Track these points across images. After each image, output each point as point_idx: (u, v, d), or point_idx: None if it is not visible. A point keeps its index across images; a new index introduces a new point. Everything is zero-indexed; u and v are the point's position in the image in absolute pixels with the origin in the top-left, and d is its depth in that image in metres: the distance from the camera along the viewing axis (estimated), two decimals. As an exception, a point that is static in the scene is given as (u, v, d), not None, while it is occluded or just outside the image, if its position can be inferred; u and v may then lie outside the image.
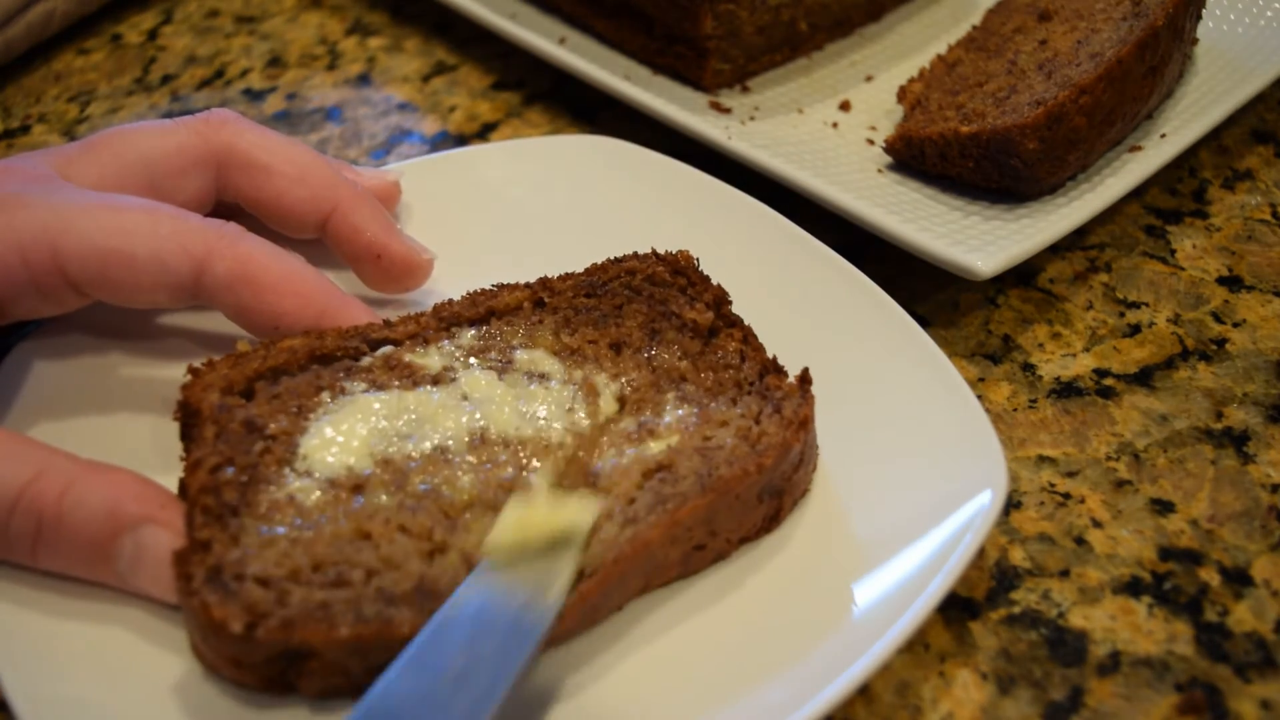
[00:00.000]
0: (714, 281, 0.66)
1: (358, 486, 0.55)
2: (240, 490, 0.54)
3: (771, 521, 0.59)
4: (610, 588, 0.53)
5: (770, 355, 0.63)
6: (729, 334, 0.64)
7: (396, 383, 0.60)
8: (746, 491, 0.56)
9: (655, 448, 0.58)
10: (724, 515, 0.56)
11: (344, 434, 0.57)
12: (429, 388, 0.60)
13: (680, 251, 0.68)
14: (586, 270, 0.68)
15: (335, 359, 0.61)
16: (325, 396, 0.59)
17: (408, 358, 0.61)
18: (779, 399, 0.60)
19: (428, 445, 0.57)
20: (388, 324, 0.63)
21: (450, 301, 0.65)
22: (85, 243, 0.57)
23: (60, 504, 0.53)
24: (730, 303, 0.66)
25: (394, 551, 0.53)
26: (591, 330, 0.65)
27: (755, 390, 0.61)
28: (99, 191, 0.61)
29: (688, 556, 0.57)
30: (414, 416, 0.59)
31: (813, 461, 0.61)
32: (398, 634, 0.50)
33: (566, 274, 0.68)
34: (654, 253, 0.68)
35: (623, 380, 0.62)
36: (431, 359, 0.62)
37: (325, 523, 0.54)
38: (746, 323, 0.65)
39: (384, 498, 0.55)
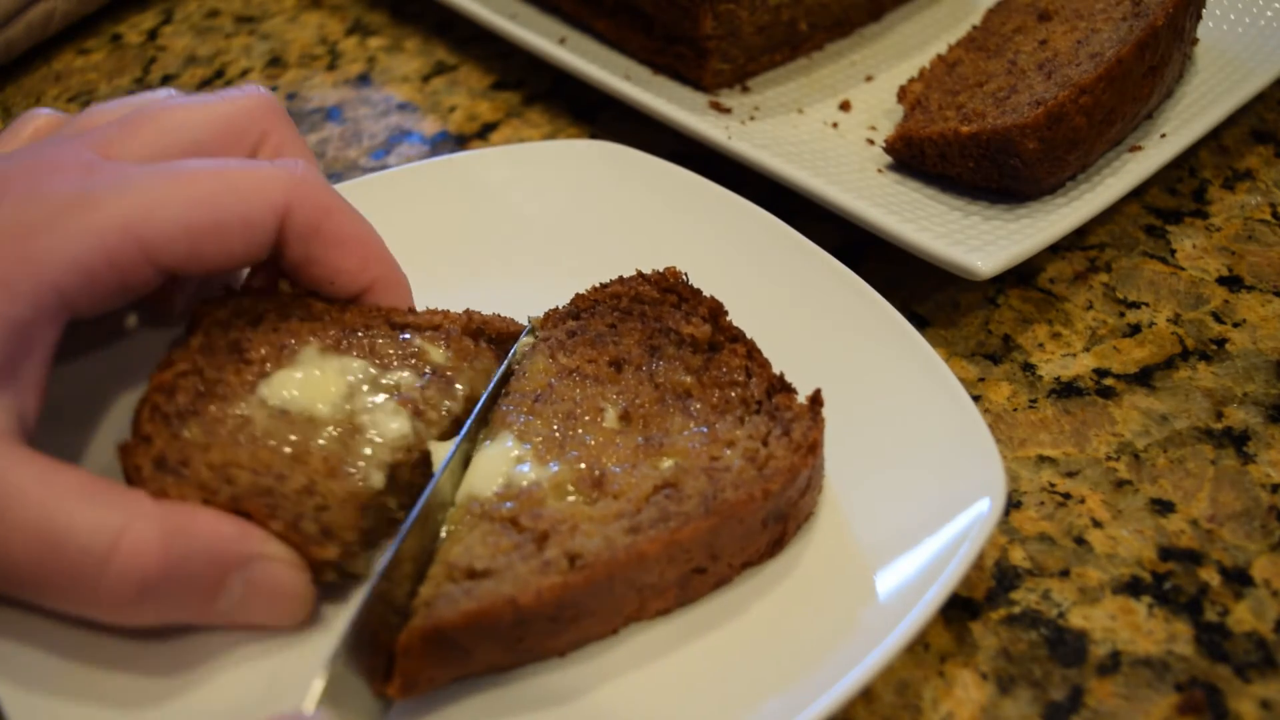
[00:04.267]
0: (707, 294, 0.65)
1: (307, 424, 0.57)
2: (195, 398, 0.57)
3: (775, 546, 0.58)
4: (598, 588, 0.52)
5: (778, 372, 0.62)
6: (732, 349, 0.63)
7: (393, 356, 0.61)
8: (751, 516, 0.55)
9: (663, 463, 0.58)
10: (726, 539, 0.55)
11: (316, 380, 0.59)
12: (421, 370, 0.61)
13: (667, 268, 0.67)
14: (572, 301, 0.68)
15: (349, 324, 0.63)
16: (318, 345, 0.61)
17: (417, 342, 0.62)
18: (788, 420, 0.59)
19: (391, 411, 0.59)
20: (412, 312, 0.65)
21: (480, 313, 0.66)
22: (173, 225, 0.54)
23: (166, 553, 0.50)
24: (727, 314, 0.65)
25: (327, 491, 0.55)
26: (589, 350, 0.64)
27: (764, 410, 0.60)
28: (154, 165, 0.57)
29: (686, 579, 0.55)
30: (393, 386, 0.60)
31: (819, 485, 0.60)
32: (319, 559, 0.53)
33: (552, 309, 0.68)
34: (639, 273, 0.67)
35: (626, 397, 0.62)
36: (435, 350, 0.62)
37: (267, 443, 0.56)
38: (749, 335, 0.64)
39: (324, 435, 0.57)
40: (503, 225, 0.77)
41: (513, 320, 0.66)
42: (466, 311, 0.66)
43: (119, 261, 0.53)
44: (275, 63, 1.05)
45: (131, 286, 0.55)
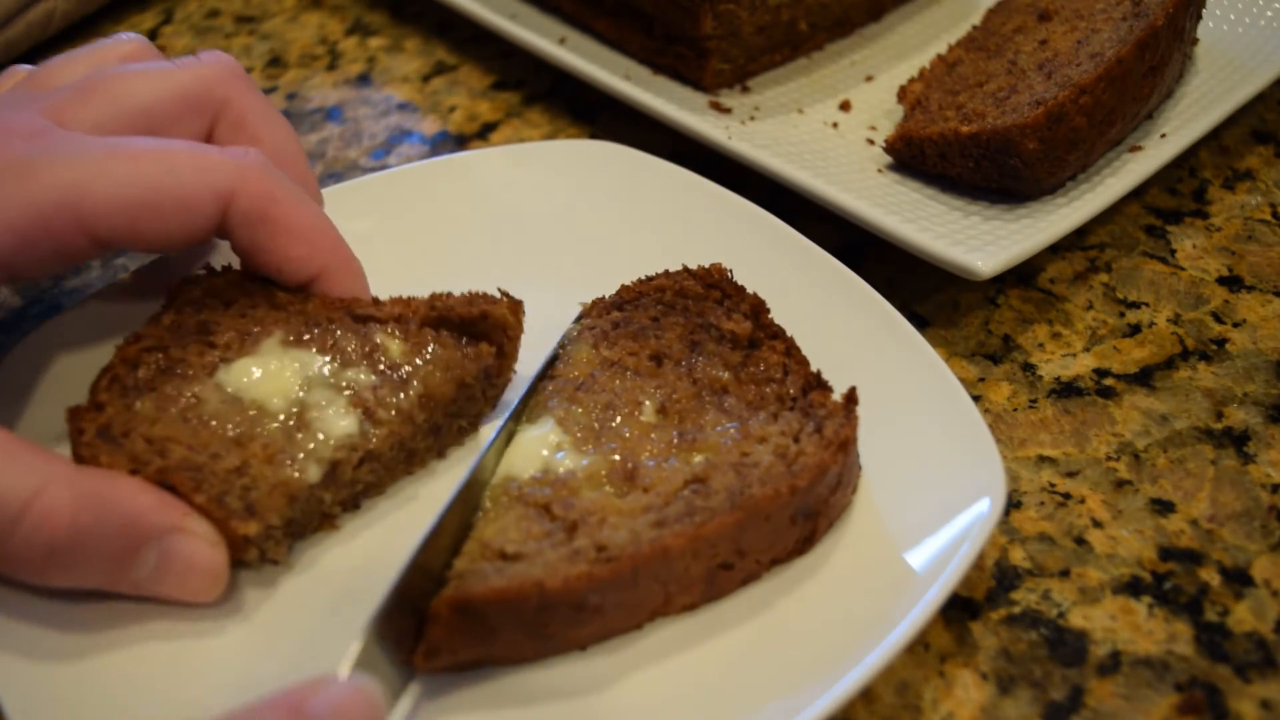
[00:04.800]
0: (750, 291, 0.66)
1: (257, 414, 0.58)
2: (155, 374, 0.59)
3: (805, 543, 0.58)
4: (622, 582, 0.53)
5: (815, 369, 0.62)
6: (771, 346, 0.64)
7: (352, 352, 0.62)
8: (778, 513, 0.55)
9: (695, 458, 0.58)
10: (753, 535, 0.55)
11: (273, 372, 0.60)
12: (377, 367, 0.62)
13: (713, 265, 0.67)
14: (618, 291, 0.68)
15: (313, 316, 0.64)
16: (282, 336, 0.62)
17: (378, 338, 0.63)
18: (821, 417, 0.59)
19: (343, 410, 0.59)
20: (377, 302, 0.65)
21: (448, 295, 0.66)
22: (109, 200, 0.55)
23: (75, 519, 0.51)
24: (769, 311, 0.65)
25: (259, 475, 0.56)
26: (631, 342, 0.65)
27: (798, 406, 0.60)
28: (102, 138, 0.58)
29: (713, 575, 0.56)
30: (347, 385, 0.60)
31: (852, 483, 0.60)
32: (238, 534, 0.54)
33: (599, 298, 0.68)
34: (685, 268, 0.68)
35: (665, 391, 0.62)
36: (395, 344, 0.63)
37: (211, 425, 0.57)
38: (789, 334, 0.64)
39: (271, 426, 0.58)
40: (503, 225, 0.77)
41: (485, 296, 0.66)
42: (431, 296, 0.65)
43: (55, 230, 0.55)
44: (275, 63, 1.05)
45: (67, 255, 0.56)
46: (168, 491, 0.54)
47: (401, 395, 0.61)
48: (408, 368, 0.62)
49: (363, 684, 0.46)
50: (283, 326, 0.62)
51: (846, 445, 0.57)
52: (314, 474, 0.57)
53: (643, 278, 0.69)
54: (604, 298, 0.68)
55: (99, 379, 0.58)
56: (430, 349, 0.63)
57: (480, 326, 0.65)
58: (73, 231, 0.55)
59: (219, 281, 0.64)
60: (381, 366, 0.62)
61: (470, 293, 0.66)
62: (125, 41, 0.66)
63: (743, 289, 0.66)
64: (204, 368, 0.60)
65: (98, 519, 0.52)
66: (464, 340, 0.64)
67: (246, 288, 0.64)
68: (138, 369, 0.59)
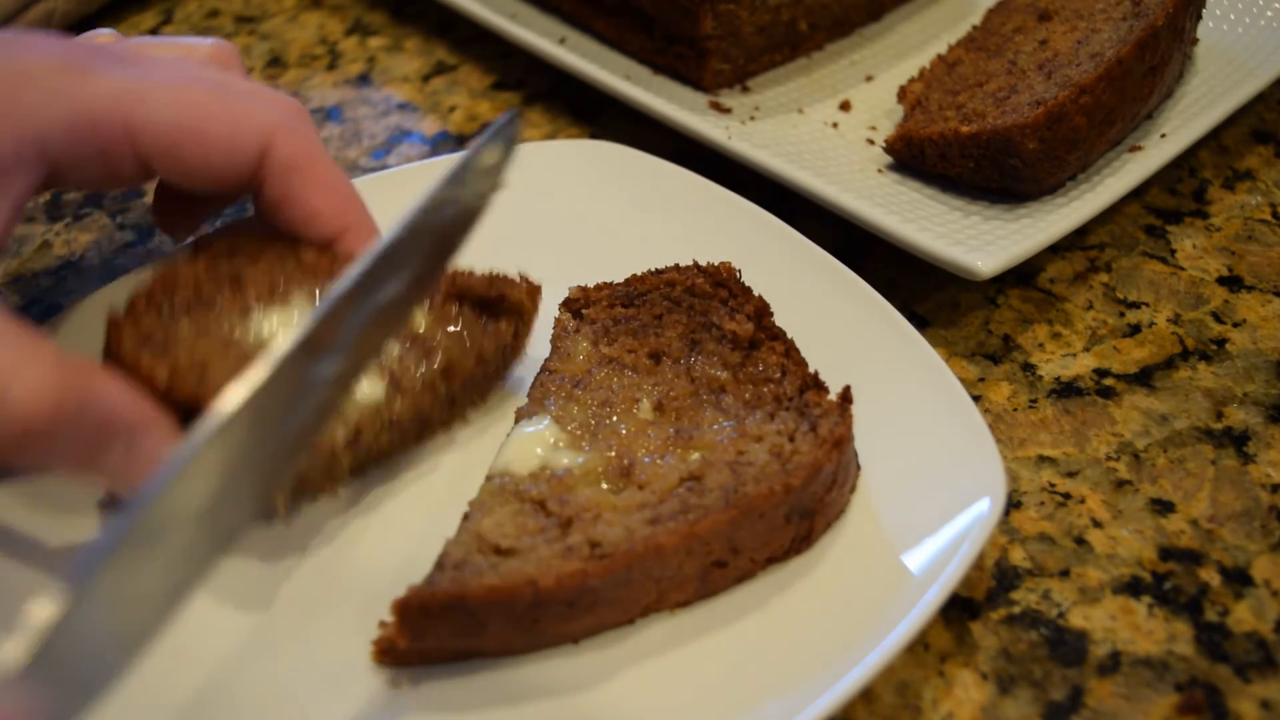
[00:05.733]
0: (755, 293, 0.66)
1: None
2: (190, 304, 0.59)
3: (802, 542, 0.58)
4: (615, 579, 0.53)
5: (812, 370, 0.62)
6: (771, 347, 0.64)
7: None
8: (772, 511, 0.55)
9: (691, 456, 0.58)
10: (748, 533, 0.55)
11: (295, 317, 0.60)
12: (402, 337, 0.62)
13: (722, 263, 0.67)
14: (625, 281, 0.68)
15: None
16: (310, 294, 0.62)
17: None
18: (816, 416, 0.59)
19: (369, 375, 0.60)
20: None
21: (470, 272, 0.65)
22: (160, 116, 0.57)
23: (60, 406, 0.50)
24: (772, 314, 0.65)
25: None
26: (631, 339, 0.65)
27: (794, 406, 0.60)
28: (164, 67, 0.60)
29: (706, 572, 0.56)
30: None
31: (850, 482, 0.60)
32: None
33: (603, 283, 0.68)
34: (695, 264, 0.68)
35: (662, 389, 0.62)
36: (420, 315, 0.63)
37: (242, 351, 0.58)
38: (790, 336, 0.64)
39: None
40: (502, 225, 0.77)
41: (504, 278, 0.66)
42: (452, 272, 0.66)
43: (103, 133, 0.56)
44: (275, 63, 1.05)
45: (110, 165, 0.57)
46: (140, 389, 0.54)
47: (425, 365, 0.61)
48: (432, 340, 0.62)
49: (29, 691, 0.37)
50: (311, 285, 0.62)
51: (841, 443, 0.57)
52: (340, 436, 0.57)
53: (652, 270, 0.69)
54: (610, 282, 0.68)
55: (136, 297, 0.59)
56: (454, 323, 0.63)
57: (498, 308, 0.65)
58: (119, 139, 0.56)
59: (244, 240, 0.64)
60: (405, 338, 0.62)
61: (491, 273, 0.66)
62: (208, 44, 0.68)
63: (749, 290, 0.66)
64: (236, 312, 0.60)
65: (80, 409, 0.51)
66: (484, 318, 0.65)
67: (274, 248, 0.63)
68: (174, 295, 0.59)
